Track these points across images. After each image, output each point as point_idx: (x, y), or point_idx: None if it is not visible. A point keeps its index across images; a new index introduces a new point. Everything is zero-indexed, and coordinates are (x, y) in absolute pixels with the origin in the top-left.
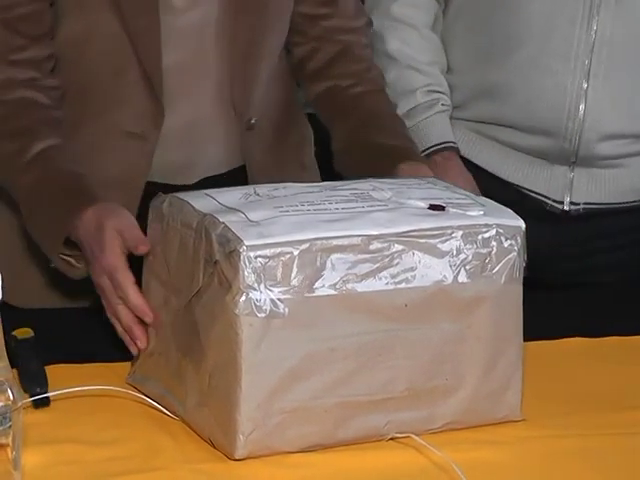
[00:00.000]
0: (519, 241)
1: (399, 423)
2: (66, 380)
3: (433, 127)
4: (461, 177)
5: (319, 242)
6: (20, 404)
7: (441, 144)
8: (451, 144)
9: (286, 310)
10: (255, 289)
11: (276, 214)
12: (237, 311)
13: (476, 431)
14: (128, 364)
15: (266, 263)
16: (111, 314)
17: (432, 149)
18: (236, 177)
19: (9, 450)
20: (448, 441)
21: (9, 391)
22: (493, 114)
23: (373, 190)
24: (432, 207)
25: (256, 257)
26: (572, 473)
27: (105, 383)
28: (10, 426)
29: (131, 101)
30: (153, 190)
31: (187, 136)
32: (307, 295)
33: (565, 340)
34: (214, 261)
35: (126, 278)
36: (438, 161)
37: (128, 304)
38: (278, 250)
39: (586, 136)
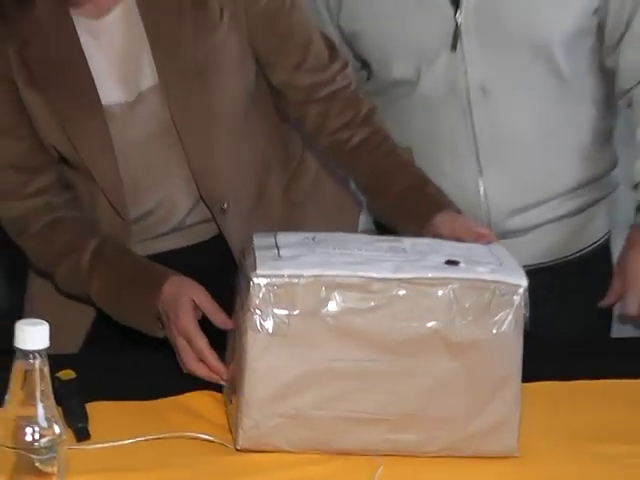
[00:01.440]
0: (518, 297)
1: (396, 443)
2: (105, 415)
3: None
4: None
5: (324, 278)
6: (64, 437)
7: None
8: None
9: (289, 331)
10: (262, 310)
11: (303, 253)
12: (245, 327)
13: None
14: (160, 400)
15: (273, 290)
16: (188, 368)
17: None
18: (219, 240)
19: (54, 478)
20: (445, 464)
21: (55, 426)
22: None
23: (411, 244)
24: (448, 262)
25: (265, 284)
26: None
27: (140, 418)
28: (55, 457)
29: (102, 214)
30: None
31: (163, 223)
32: (310, 320)
33: (540, 383)
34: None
35: (201, 341)
36: None
37: (206, 363)
38: (285, 280)
39: (493, 218)
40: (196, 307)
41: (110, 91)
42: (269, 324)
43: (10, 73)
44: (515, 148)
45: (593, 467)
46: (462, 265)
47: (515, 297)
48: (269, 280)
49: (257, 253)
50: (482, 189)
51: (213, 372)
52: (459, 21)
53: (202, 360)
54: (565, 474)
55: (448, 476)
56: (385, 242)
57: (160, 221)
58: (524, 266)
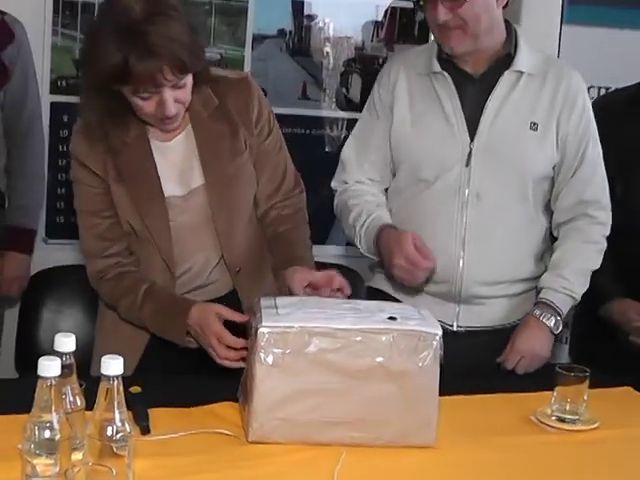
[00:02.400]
0: (435, 342)
1: (355, 438)
2: (161, 417)
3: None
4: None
5: (307, 328)
6: (132, 432)
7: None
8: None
9: (283, 363)
10: (265, 350)
11: (293, 311)
12: (254, 360)
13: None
14: (197, 408)
15: (273, 336)
16: (221, 356)
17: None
18: (232, 295)
19: (126, 458)
20: (387, 452)
21: (126, 425)
22: None
23: (365, 306)
24: (389, 318)
25: (267, 332)
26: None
27: (184, 420)
28: (127, 445)
29: (156, 271)
30: None
31: (195, 279)
32: (298, 357)
33: (457, 397)
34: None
35: (228, 335)
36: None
37: (234, 347)
38: (281, 330)
39: (465, 283)
40: (225, 315)
41: (170, 188)
42: (270, 359)
43: (106, 176)
44: (491, 240)
45: (489, 452)
46: (399, 320)
47: (434, 342)
48: (270, 329)
49: (263, 311)
50: (462, 262)
51: (238, 352)
52: (473, 148)
53: (230, 347)
54: (470, 457)
55: (388, 460)
56: (347, 304)
57: (193, 276)
58: (482, 327)
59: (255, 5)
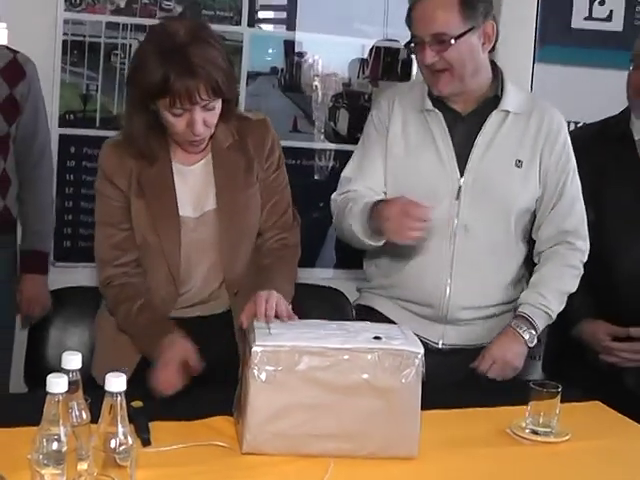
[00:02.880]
0: (417, 360)
1: (342, 449)
2: (161, 430)
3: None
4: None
5: (297, 347)
6: (134, 444)
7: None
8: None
9: (275, 380)
10: (258, 367)
11: (284, 332)
12: (248, 377)
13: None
14: (195, 421)
15: (266, 354)
16: (156, 379)
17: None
18: (227, 315)
19: (128, 469)
20: (371, 462)
21: (129, 437)
22: (401, 295)
23: (351, 327)
24: (375, 337)
25: (260, 351)
26: None
27: (182, 432)
28: (129, 456)
29: (161, 284)
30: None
31: (194, 299)
32: (289, 374)
33: (437, 411)
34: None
35: (170, 372)
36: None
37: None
38: (273, 349)
39: (450, 308)
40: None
41: (185, 208)
42: (263, 376)
43: (128, 190)
44: (476, 269)
45: (468, 463)
46: (383, 339)
47: (416, 360)
48: (263, 348)
49: (256, 331)
50: (448, 288)
51: (171, 384)
52: (462, 183)
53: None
54: (450, 468)
55: (373, 470)
56: (335, 324)
57: (194, 294)
58: (464, 345)
59: (249, 44)
